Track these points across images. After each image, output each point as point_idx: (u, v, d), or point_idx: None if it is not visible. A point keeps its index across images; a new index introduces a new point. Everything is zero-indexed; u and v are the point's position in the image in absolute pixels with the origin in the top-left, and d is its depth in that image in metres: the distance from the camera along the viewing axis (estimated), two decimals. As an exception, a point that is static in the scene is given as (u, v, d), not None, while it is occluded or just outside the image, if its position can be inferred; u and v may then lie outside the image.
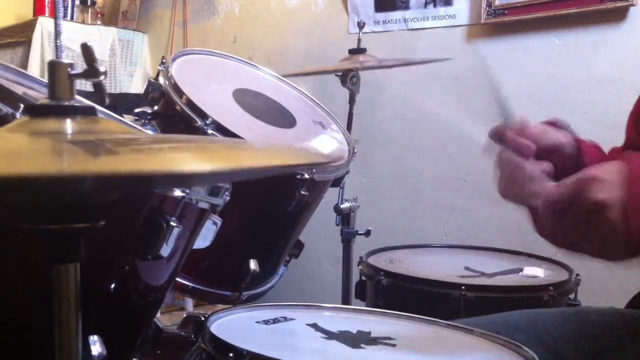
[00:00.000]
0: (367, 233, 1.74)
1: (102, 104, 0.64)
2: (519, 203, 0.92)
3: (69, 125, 0.59)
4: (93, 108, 0.61)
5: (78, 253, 0.57)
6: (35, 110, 0.61)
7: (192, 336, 0.93)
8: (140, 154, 0.54)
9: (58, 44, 0.64)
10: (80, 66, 0.60)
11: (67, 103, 0.60)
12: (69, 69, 0.60)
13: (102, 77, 0.61)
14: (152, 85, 1.34)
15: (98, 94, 0.62)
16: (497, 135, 0.89)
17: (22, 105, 0.78)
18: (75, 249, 0.56)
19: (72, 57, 1.56)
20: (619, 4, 1.85)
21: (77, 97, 0.61)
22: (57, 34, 0.65)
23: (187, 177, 0.53)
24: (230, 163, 0.55)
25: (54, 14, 0.65)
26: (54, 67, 0.60)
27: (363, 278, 1.55)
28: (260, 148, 0.73)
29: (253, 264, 1.36)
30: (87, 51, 0.60)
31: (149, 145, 0.58)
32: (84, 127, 0.59)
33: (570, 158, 0.93)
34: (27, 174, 0.44)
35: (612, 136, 1.15)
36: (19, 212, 0.55)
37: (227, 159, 0.57)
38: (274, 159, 0.61)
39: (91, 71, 0.60)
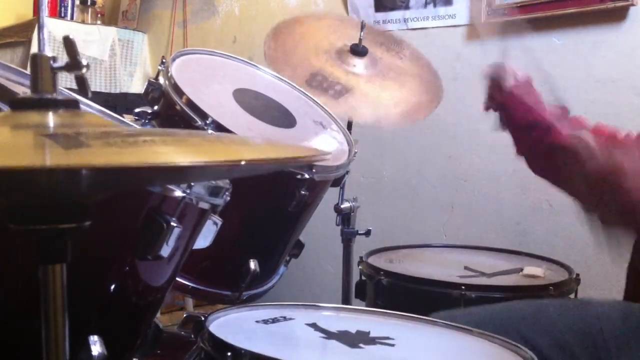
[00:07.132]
0: (367, 233, 1.74)
1: (85, 97, 0.63)
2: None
3: (51, 119, 0.58)
4: (75, 101, 0.60)
5: (65, 253, 0.56)
6: (17, 104, 0.60)
7: (192, 336, 0.93)
8: (119, 148, 0.53)
9: (41, 37, 0.64)
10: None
11: (49, 96, 0.59)
12: (51, 62, 0.60)
13: (84, 70, 0.60)
14: (152, 85, 1.34)
15: (80, 87, 0.62)
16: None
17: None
18: (62, 249, 0.55)
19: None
20: (619, 4, 1.85)
21: (61, 89, 0.60)
22: (41, 27, 0.65)
23: (176, 170, 0.52)
24: (207, 157, 0.54)
25: (37, 9, 0.65)
26: (36, 60, 0.60)
27: (363, 278, 1.55)
28: (243, 142, 0.71)
29: (253, 264, 1.36)
30: (69, 44, 0.60)
31: (130, 138, 0.57)
32: (67, 120, 0.58)
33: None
34: (7, 167, 0.43)
35: (612, 136, 1.16)
36: (5, 212, 0.54)
37: (205, 153, 0.56)
38: (256, 153, 0.59)
39: (73, 64, 0.60)
